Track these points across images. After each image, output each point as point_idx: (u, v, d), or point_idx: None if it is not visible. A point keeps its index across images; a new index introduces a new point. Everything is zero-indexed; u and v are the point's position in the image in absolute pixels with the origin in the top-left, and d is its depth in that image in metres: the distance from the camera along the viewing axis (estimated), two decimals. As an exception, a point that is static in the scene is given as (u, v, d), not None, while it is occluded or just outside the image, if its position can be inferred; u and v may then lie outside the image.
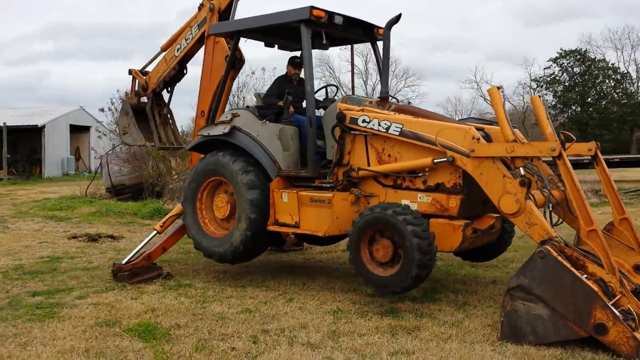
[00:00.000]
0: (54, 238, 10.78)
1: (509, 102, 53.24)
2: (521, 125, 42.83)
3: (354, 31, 7.40)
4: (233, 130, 7.05)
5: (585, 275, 4.80)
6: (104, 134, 22.37)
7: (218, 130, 7.19)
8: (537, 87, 50.01)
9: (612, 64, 47.89)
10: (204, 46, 8.45)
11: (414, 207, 6.00)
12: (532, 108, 5.95)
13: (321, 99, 7.75)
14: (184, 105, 51.41)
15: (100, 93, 77.13)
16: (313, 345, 4.84)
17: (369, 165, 6.45)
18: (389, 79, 7.25)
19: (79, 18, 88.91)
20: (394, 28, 6.88)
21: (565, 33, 72.70)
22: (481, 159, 5.65)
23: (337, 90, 7.93)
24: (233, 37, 7.61)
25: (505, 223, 6.77)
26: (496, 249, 6.98)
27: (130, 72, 9.52)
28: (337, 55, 73.34)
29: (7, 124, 29.97)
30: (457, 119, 29.07)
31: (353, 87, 9.06)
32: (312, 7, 6.54)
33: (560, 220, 6.03)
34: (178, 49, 8.88)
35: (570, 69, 48.57)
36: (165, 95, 9.49)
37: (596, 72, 47.68)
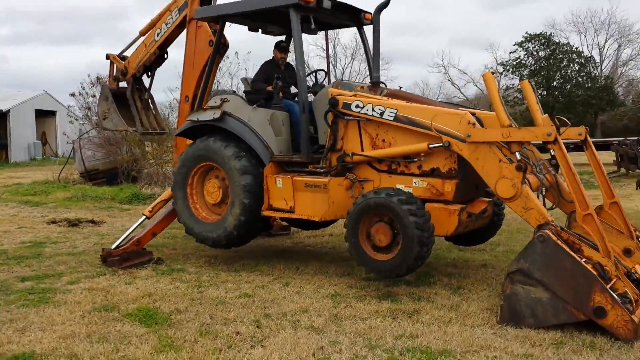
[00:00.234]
0: (33, 223, 10.56)
1: (476, 86, 53.83)
2: (488, 109, 43.31)
3: (341, 16, 7.37)
4: (223, 115, 6.98)
5: (584, 259, 4.91)
6: (76, 119, 21.87)
7: (208, 116, 7.10)
8: (504, 71, 50.57)
9: (576, 48, 48.66)
10: (185, 30, 8.34)
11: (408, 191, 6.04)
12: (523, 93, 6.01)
13: (310, 84, 7.72)
14: (157, 90, 50.50)
15: (61, 77, 75.03)
16: (317, 330, 4.86)
17: (362, 150, 6.46)
18: (379, 64, 7.23)
19: (36, 1, 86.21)
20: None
21: (528, 17, 73.50)
22: (477, 144, 5.71)
23: (326, 75, 7.90)
24: (218, 21, 7.50)
25: (495, 207, 6.88)
26: (487, 232, 7.09)
27: (107, 56, 9.35)
28: (304, 39, 72.82)
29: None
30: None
31: (329, 72, 9.01)
32: None
33: (555, 205, 6.13)
34: (158, 34, 8.74)
35: (535, 53, 49.19)
36: (145, 80, 9.38)
37: (561, 55, 48.35)
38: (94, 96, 17.57)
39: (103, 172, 16.41)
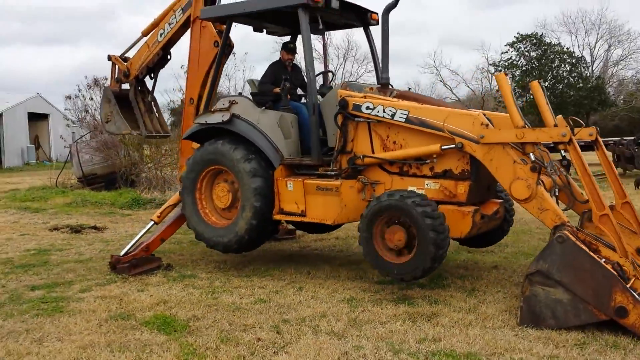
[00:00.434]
0: (35, 230, 10.47)
1: (468, 86, 54.03)
2: (481, 110, 43.43)
3: (347, 16, 7.36)
4: (232, 118, 6.94)
5: (603, 259, 4.92)
6: (73, 122, 21.72)
7: (216, 118, 7.06)
8: (496, 71, 50.72)
9: (567, 48, 48.91)
10: (189, 31, 8.28)
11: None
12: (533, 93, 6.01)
13: (317, 85, 7.69)
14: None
15: (49, 79, 74.41)
16: (338, 334, 4.83)
17: (373, 152, 6.44)
18: (388, 65, 7.19)
19: (21, 1, 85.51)
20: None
21: (518, 17, 73.80)
22: (491, 145, 5.71)
23: (334, 76, 7.87)
24: (224, 21, 7.46)
25: (506, 208, 6.88)
26: (498, 234, 7.09)
27: (109, 58, 9.26)
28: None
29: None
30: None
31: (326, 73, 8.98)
32: None
33: (569, 206, 6.12)
34: (161, 34, 8.66)
35: (527, 53, 49.39)
36: (148, 82, 9.31)
37: (552, 56, 48.53)
38: (91, 99, 17.45)
39: (101, 177, 16.28)
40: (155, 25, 8.73)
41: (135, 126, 9.09)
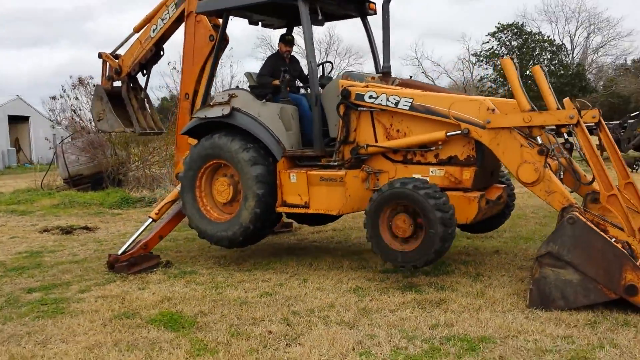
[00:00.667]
0: (24, 232, 10.26)
1: (450, 77, 54.17)
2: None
3: (346, 6, 7.28)
4: (232, 111, 6.83)
5: (614, 239, 4.90)
6: (58, 122, 21.35)
7: (216, 112, 6.94)
8: (477, 61, 50.94)
9: (548, 37, 49.25)
10: (183, 26, 8.15)
11: None
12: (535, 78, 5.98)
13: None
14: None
15: (28, 81, 73.04)
16: (349, 324, 4.77)
17: (376, 141, 6.38)
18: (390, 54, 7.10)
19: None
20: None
21: (498, 8, 74.09)
22: (497, 130, 5.67)
23: (332, 67, 7.79)
24: (221, 15, 7.34)
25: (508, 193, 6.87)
26: (500, 219, 7.08)
27: (100, 55, 9.12)
28: (278, 34, 72.41)
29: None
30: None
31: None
32: None
33: (574, 189, 6.10)
34: (154, 30, 8.53)
35: (508, 42, 49.64)
36: (140, 78, 9.18)
37: (533, 45, 48.85)
38: (76, 98, 17.15)
39: (88, 177, 16.01)
40: (147, 21, 8.59)
41: (129, 123, 8.96)
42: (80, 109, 17.16)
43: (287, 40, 7.61)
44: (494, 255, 6.98)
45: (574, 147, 6.08)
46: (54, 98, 19.17)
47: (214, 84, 9.55)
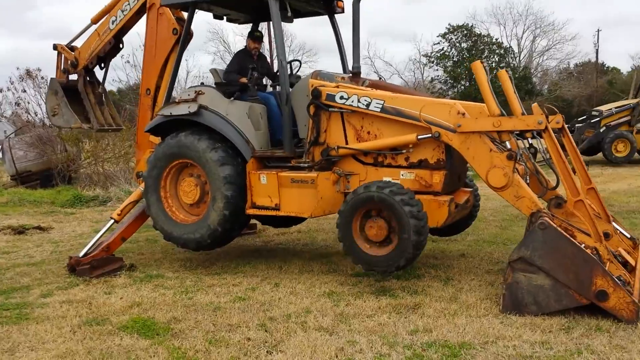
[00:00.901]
0: (-28, 232, 9.80)
1: (401, 78, 54.83)
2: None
3: (314, 3, 7.24)
4: (200, 109, 6.69)
5: (583, 245, 5.04)
6: (3, 116, 20.52)
7: (182, 110, 6.78)
8: (428, 62, 51.72)
9: (497, 39, 50.45)
10: (145, 18, 7.93)
11: None
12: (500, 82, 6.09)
13: None
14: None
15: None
16: (328, 330, 4.74)
17: (346, 143, 6.37)
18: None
19: None
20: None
21: (448, 8, 75.36)
22: (467, 134, 5.74)
23: (300, 65, 7.73)
24: (186, 8, 7.18)
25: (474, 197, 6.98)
26: (465, 223, 7.18)
27: (55, 47, 8.79)
28: (232, 29, 71.70)
29: None
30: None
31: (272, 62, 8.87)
32: None
33: (540, 194, 6.23)
34: (113, 22, 8.26)
35: (458, 44, 50.60)
36: (98, 72, 8.89)
37: (482, 46, 49.94)
38: (24, 91, 16.50)
39: (36, 174, 15.50)
40: (106, 12, 8.32)
41: (85, 119, 8.66)
42: (28, 102, 16.51)
43: (255, 37, 7.51)
44: (461, 258, 7.09)
45: (537, 152, 6.23)
46: (0, 91, 18.37)
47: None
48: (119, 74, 22.23)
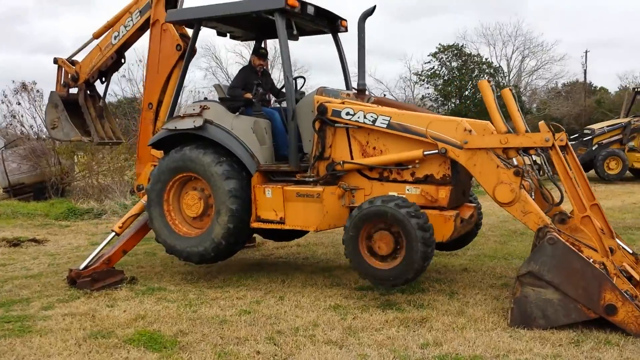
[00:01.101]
0: (-34, 244, 9.67)
1: (392, 95, 55.10)
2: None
3: (319, 22, 7.29)
4: (205, 123, 6.68)
5: (591, 259, 5.06)
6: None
7: (187, 124, 6.77)
8: (419, 80, 52.08)
9: (486, 59, 50.95)
10: (148, 33, 7.95)
11: None
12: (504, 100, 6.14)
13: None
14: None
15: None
16: (337, 344, 4.71)
17: (351, 158, 6.37)
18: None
19: None
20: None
21: (439, 29, 75.98)
22: (474, 151, 5.77)
23: (304, 82, 7.76)
24: (191, 25, 7.21)
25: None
26: (468, 238, 7.19)
27: (55, 61, 8.79)
28: (224, 45, 72.02)
29: None
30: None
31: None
32: None
33: (546, 210, 6.24)
34: (115, 37, 8.29)
35: (448, 63, 51.03)
36: (98, 86, 8.88)
37: (472, 66, 50.40)
38: (18, 103, 16.38)
39: (29, 186, 15.35)
40: (108, 27, 8.34)
41: (85, 132, 8.63)
42: (22, 115, 16.41)
43: (260, 54, 7.54)
44: (464, 273, 7.08)
45: (541, 168, 6.26)
46: (-7, 103, 18.19)
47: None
48: (114, 87, 22.15)
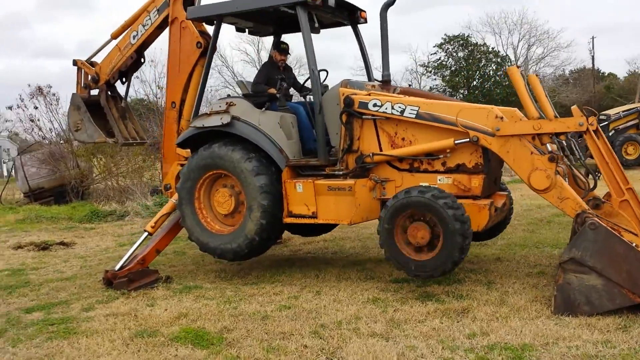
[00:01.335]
0: (-4, 249, 9.76)
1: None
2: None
3: (339, 14, 7.27)
4: (232, 120, 6.69)
5: (634, 243, 5.03)
6: (16, 134, 20.47)
7: (214, 121, 6.78)
8: (426, 72, 51.86)
9: (493, 48, 50.65)
10: (167, 32, 7.96)
11: None
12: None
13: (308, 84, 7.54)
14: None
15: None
16: (383, 336, 4.71)
17: (380, 149, 6.36)
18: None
19: None
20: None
21: (443, 19, 75.56)
22: (507, 137, 5.74)
23: (327, 75, 7.74)
24: (212, 21, 7.21)
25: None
26: (501, 227, 7.16)
27: (75, 62, 8.82)
28: (228, 43, 72.02)
29: None
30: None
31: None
32: None
33: (585, 194, 6.21)
34: (134, 36, 8.29)
35: (455, 53, 50.77)
36: (119, 86, 8.91)
37: (479, 56, 50.13)
38: (36, 108, 16.45)
39: (49, 190, 15.44)
40: (126, 27, 8.35)
41: (108, 133, 8.66)
42: (38, 119, 16.49)
43: (282, 49, 7.53)
44: (497, 262, 7.06)
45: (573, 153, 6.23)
46: (10, 108, 18.30)
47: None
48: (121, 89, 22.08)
